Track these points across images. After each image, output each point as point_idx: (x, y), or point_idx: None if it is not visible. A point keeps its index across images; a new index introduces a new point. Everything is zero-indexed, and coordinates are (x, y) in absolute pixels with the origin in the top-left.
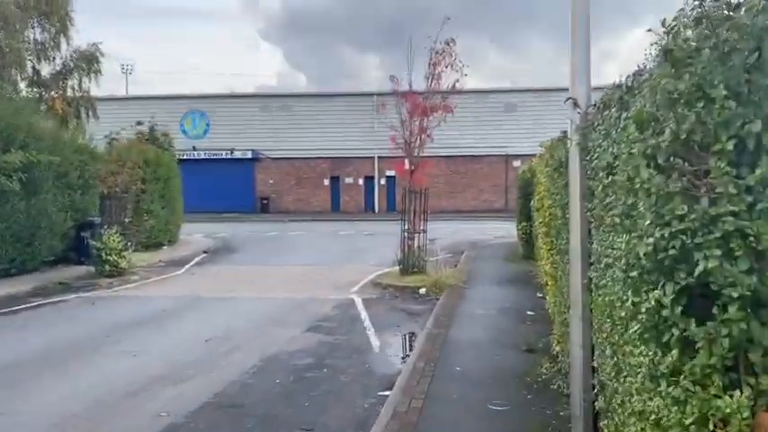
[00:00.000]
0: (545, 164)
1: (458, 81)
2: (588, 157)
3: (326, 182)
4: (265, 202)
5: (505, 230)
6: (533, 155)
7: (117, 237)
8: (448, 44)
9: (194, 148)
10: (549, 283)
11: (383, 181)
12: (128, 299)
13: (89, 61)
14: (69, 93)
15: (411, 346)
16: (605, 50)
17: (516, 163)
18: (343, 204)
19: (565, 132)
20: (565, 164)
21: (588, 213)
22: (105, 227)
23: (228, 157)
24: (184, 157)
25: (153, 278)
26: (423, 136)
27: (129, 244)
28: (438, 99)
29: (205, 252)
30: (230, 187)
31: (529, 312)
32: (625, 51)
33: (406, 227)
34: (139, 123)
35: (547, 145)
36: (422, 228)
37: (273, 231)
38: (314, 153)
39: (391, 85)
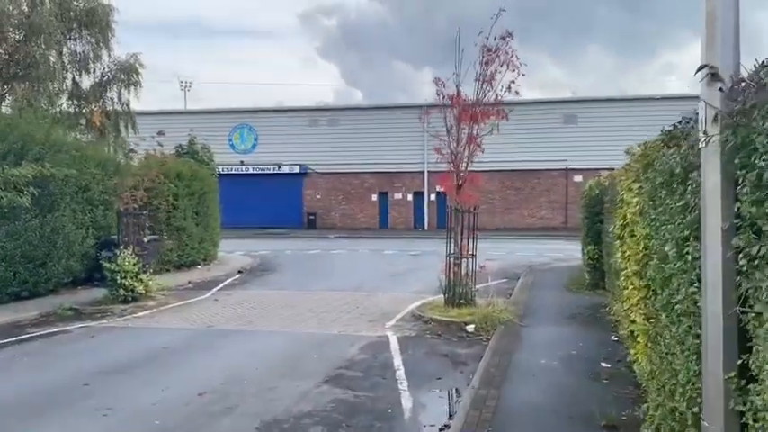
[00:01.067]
0: (636, 177)
1: (514, 82)
2: (741, 163)
3: (374, 197)
4: (312, 217)
5: (566, 252)
6: (596, 169)
7: (132, 258)
8: (504, 38)
9: (242, 163)
10: (642, 340)
11: (433, 197)
12: (132, 331)
13: (128, 73)
14: (108, 105)
15: (452, 410)
16: (667, 62)
17: (577, 178)
18: (392, 221)
19: (678, 128)
20: (683, 175)
21: (741, 256)
22: (121, 247)
23: (276, 171)
24: (232, 171)
25: (171, 304)
26: (472, 146)
27: (148, 266)
28: (490, 102)
29: (240, 272)
30: (278, 202)
31: (603, 364)
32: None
33: (452, 250)
34: (160, 134)
35: (638, 151)
36: (470, 252)
37: (316, 249)
38: (362, 168)
39: (437, 91)
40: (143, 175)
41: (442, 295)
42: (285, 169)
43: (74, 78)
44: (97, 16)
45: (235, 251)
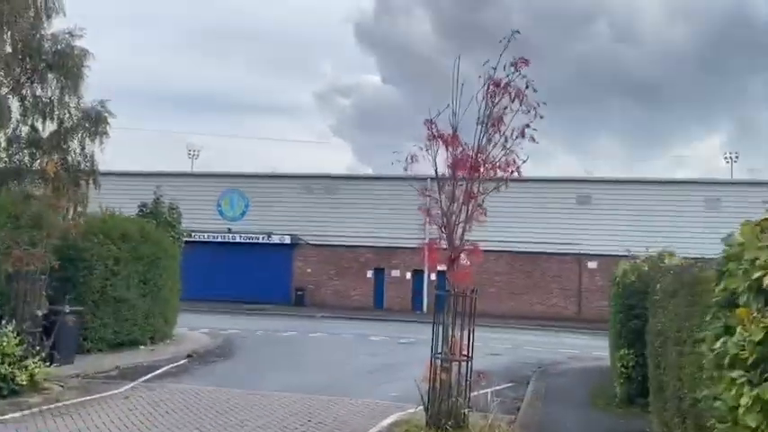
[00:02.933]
0: None
1: (529, 126)
2: None
3: (369, 274)
4: (300, 293)
5: (581, 348)
6: (612, 255)
7: (14, 337)
8: (515, 67)
9: (229, 230)
10: None
11: (434, 276)
12: None
13: (94, 121)
14: (70, 157)
15: None
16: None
17: (591, 264)
18: (388, 301)
19: None
20: None
21: None
22: (3, 321)
23: (266, 241)
24: (218, 239)
25: (63, 401)
26: (471, 206)
27: (39, 348)
28: (497, 150)
29: (189, 356)
30: (265, 275)
31: None
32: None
33: (440, 350)
34: (144, 204)
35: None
36: (464, 351)
37: (293, 331)
38: (357, 240)
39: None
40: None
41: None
42: (275, 239)
43: (32, 125)
44: (67, 57)
45: (200, 328)
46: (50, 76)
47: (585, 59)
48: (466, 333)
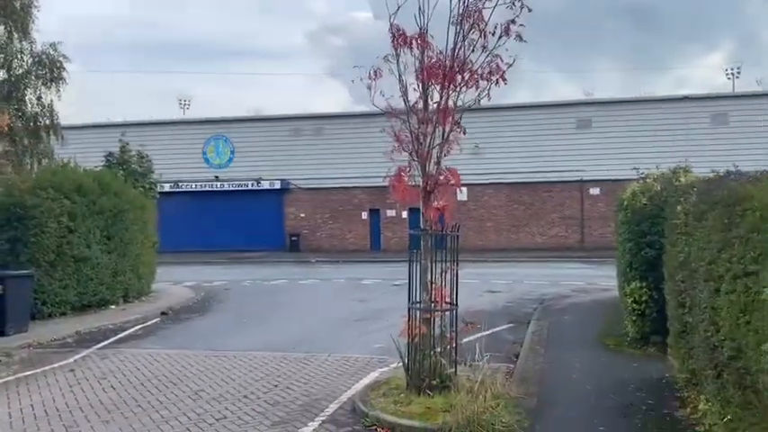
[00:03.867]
0: None
1: (514, 22)
2: None
3: (365, 215)
4: (295, 238)
5: (586, 278)
6: (615, 180)
7: None
8: None
9: (217, 178)
10: None
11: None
12: None
13: (48, 67)
14: (27, 108)
15: None
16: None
17: (593, 190)
18: (384, 241)
19: None
20: None
21: None
22: None
23: (255, 188)
24: (206, 188)
25: (1, 377)
26: (448, 124)
27: None
28: (477, 55)
29: (163, 314)
30: (257, 222)
31: None
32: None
33: (418, 299)
34: (110, 154)
35: None
36: (447, 299)
37: (283, 279)
38: (350, 182)
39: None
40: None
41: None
42: (265, 185)
43: None
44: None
45: (185, 282)
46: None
47: None
48: (448, 277)
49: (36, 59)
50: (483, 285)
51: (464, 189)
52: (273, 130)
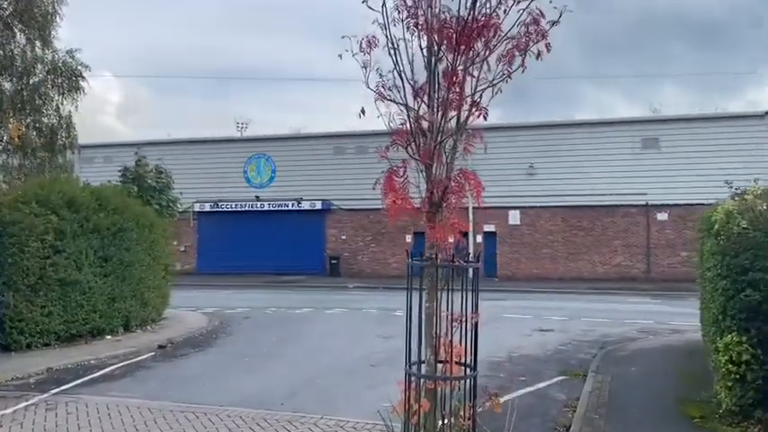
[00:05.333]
0: None
1: None
2: None
3: (409, 238)
4: (335, 262)
5: (655, 316)
6: (686, 204)
7: None
8: None
9: (258, 198)
10: None
11: (480, 238)
12: None
13: (67, 76)
14: (44, 119)
15: None
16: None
17: (661, 216)
18: None
19: None
20: None
21: None
22: None
23: (295, 208)
24: (246, 208)
25: None
26: (465, 103)
27: None
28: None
29: (161, 347)
30: (297, 244)
31: None
32: None
33: (420, 357)
34: (125, 169)
35: None
36: (462, 355)
37: (310, 307)
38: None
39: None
40: None
41: None
42: (306, 205)
43: None
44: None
45: (205, 308)
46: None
47: (645, 4)
48: (466, 326)
49: (52, 68)
50: (533, 322)
51: (517, 212)
52: (315, 148)
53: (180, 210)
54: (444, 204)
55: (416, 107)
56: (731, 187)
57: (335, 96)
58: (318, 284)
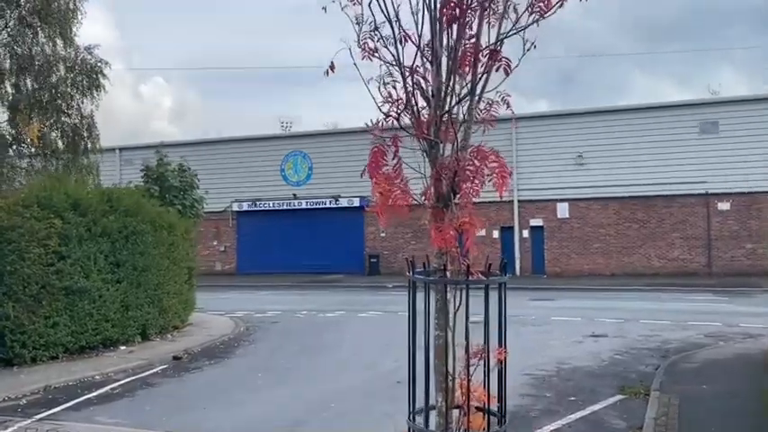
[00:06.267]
0: None
1: None
2: None
3: None
4: (374, 260)
5: (720, 316)
6: (749, 193)
7: None
8: None
9: (295, 196)
10: None
11: (526, 233)
12: None
13: (88, 74)
14: (65, 119)
15: None
16: None
17: (722, 205)
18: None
19: None
20: None
21: None
22: None
23: (333, 205)
24: (284, 206)
25: None
26: (483, 62)
27: None
28: None
29: (176, 358)
30: (336, 242)
31: None
32: None
33: (429, 401)
34: (147, 168)
35: None
36: (482, 400)
37: (343, 310)
38: None
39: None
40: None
41: None
42: (343, 202)
43: (16, 83)
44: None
45: (237, 311)
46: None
47: None
48: (489, 362)
49: (71, 65)
50: (585, 326)
51: (565, 205)
52: (352, 143)
53: (204, 209)
54: (458, 196)
55: (415, 65)
56: None
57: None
58: (356, 284)
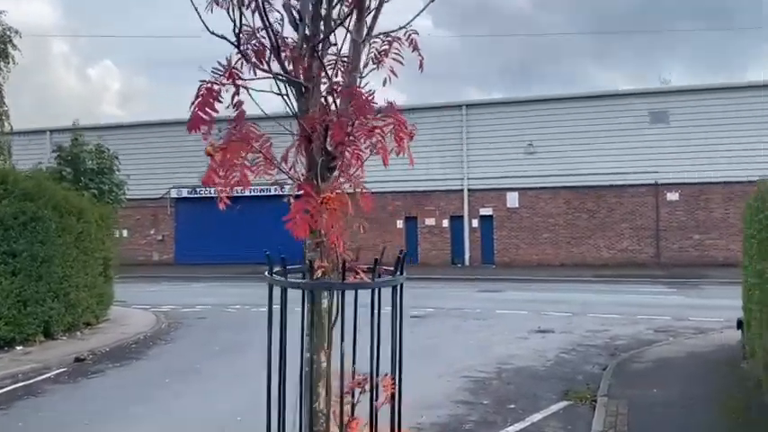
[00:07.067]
0: None
1: None
2: None
3: (400, 224)
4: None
5: (670, 309)
6: (699, 183)
7: None
8: None
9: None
10: None
11: (476, 222)
12: None
13: None
14: None
15: None
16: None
17: (672, 195)
18: (422, 254)
19: None
20: None
21: None
22: None
23: (274, 193)
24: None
25: None
26: None
27: None
28: None
29: (79, 360)
30: (282, 231)
31: None
32: None
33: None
34: (59, 148)
35: None
36: None
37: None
38: (384, 186)
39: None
40: None
41: None
42: (286, 188)
43: None
44: None
45: (163, 305)
46: None
47: None
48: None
49: None
50: (531, 320)
51: (515, 194)
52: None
53: (125, 195)
54: (338, 163)
55: None
56: None
57: None
58: None
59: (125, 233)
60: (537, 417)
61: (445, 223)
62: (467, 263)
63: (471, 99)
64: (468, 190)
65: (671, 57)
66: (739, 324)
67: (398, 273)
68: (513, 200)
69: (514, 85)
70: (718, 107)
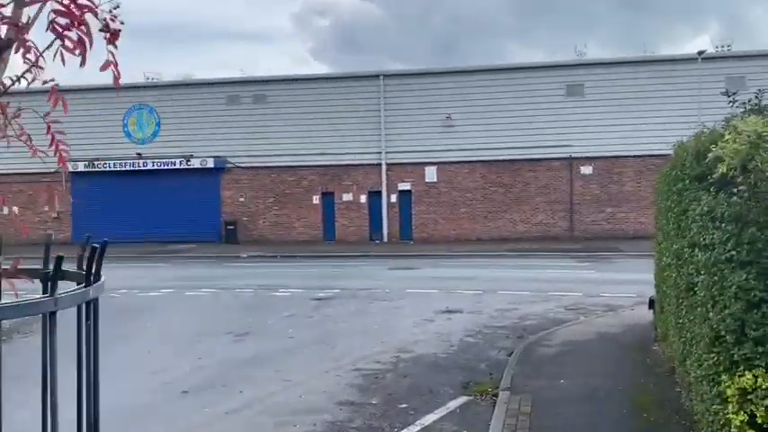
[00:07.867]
0: None
1: None
2: None
3: (316, 199)
4: (231, 227)
5: (581, 284)
6: (613, 157)
7: None
8: None
9: (140, 156)
10: None
11: (394, 197)
12: None
13: None
14: None
15: None
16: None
17: (585, 169)
18: (340, 231)
19: None
20: None
21: None
22: None
23: (185, 167)
24: (126, 167)
25: None
26: None
27: None
28: None
29: None
30: (188, 208)
31: None
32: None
33: None
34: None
35: None
36: None
37: (173, 287)
38: (299, 160)
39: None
40: None
41: None
42: (196, 163)
43: None
44: None
45: (37, 291)
46: None
47: None
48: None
49: None
50: (440, 300)
51: (433, 168)
52: (206, 97)
53: None
54: None
55: None
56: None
57: (262, 54)
58: (207, 254)
59: (15, 210)
60: (430, 419)
61: (363, 198)
62: (385, 239)
63: (389, 69)
64: (387, 164)
65: (588, 35)
66: (651, 303)
67: (90, 280)
68: (431, 174)
69: (441, 61)
70: (632, 81)
